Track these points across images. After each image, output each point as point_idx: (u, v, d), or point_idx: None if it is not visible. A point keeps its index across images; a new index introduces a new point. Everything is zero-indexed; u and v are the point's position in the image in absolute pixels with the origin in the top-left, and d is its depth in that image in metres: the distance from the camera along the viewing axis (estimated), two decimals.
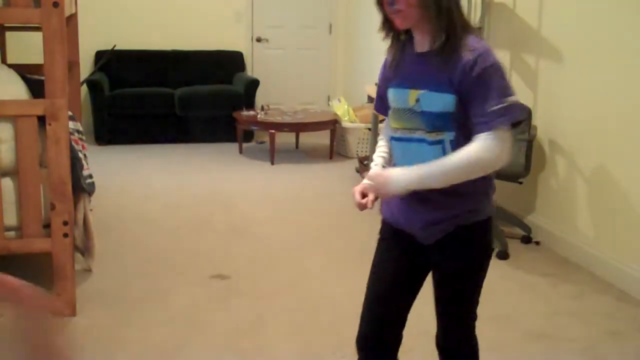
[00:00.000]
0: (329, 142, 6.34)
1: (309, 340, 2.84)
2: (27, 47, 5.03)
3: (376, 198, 1.81)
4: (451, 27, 1.65)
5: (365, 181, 1.77)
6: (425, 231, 1.82)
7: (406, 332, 2.94)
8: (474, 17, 4.63)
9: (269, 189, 5.24)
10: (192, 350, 2.75)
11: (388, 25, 1.72)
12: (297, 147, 6.73)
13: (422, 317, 3.10)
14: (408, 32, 1.73)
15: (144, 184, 5.25)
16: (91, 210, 3.44)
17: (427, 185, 1.67)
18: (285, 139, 6.75)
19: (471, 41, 1.68)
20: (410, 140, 1.74)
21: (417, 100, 1.69)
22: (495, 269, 3.68)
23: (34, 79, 3.23)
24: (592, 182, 3.68)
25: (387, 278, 1.92)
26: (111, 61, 6.80)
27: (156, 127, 6.70)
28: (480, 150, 1.65)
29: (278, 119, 6.21)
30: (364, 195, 1.80)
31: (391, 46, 1.77)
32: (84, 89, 6.21)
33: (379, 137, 1.93)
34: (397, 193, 1.72)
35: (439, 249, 1.84)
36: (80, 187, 3.17)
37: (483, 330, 2.97)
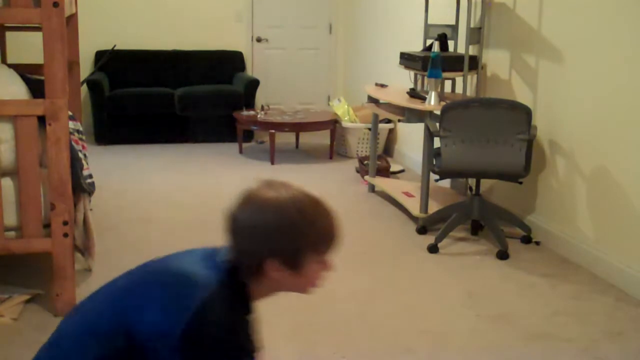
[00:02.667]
0: (329, 142, 6.34)
1: (309, 340, 2.84)
2: (27, 47, 5.03)
3: None
4: None
5: None
6: None
7: (406, 332, 2.95)
8: (474, 17, 4.63)
9: None
10: None
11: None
12: (297, 147, 6.73)
13: (422, 316, 3.11)
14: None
15: (144, 184, 5.25)
16: (91, 210, 3.44)
17: None
18: (285, 139, 6.76)
19: None
20: None
21: None
22: (495, 269, 3.68)
23: (34, 79, 3.23)
24: (592, 182, 3.68)
25: None
26: (111, 61, 6.80)
27: (156, 127, 6.70)
28: None
29: (278, 119, 6.21)
30: None
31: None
32: (84, 89, 6.21)
33: None
34: None
35: None
36: (80, 187, 3.17)
37: (483, 330, 2.98)
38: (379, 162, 5.45)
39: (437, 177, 4.04)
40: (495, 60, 4.59)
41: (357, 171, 5.73)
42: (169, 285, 1.46)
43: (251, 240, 1.46)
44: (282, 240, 1.44)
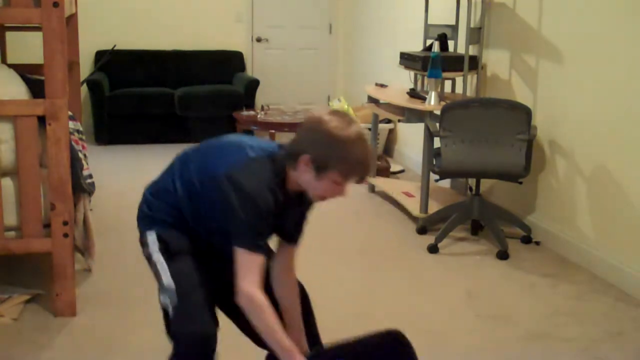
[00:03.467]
0: None
1: None
2: (27, 47, 5.03)
3: None
4: None
5: None
6: None
7: (406, 332, 2.94)
8: (474, 17, 4.63)
9: None
10: None
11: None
12: None
13: (422, 316, 3.10)
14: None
15: (144, 184, 5.21)
16: (91, 210, 3.44)
17: None
18: (285, 139, 6.75)
19: None
20: None
21: None
22: (495, 269, 3.68)
23: (34, 79, 3.23)
24: (592, 182, 3.68)
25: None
26: (111, 61, 6.80)
27: (156, 127, 6.70)
28: None
29: (278, 119, 6.20)
30: None
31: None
32: (84, 89, 6.21)
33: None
34: None
35: None
36: (80, 187, 3.16)
37: (483, 330, 2.98)
38: (379, 162, 5.45)
39: (437, 177, 4.04)
40: (495, 60, 4.59)
41: None
42: (234, 147, 2.01)
43: (304, 137, 1.92)
44: (322, 147, 1.87)
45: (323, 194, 1.95)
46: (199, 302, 1.97)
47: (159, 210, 2.15)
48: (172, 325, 1.98)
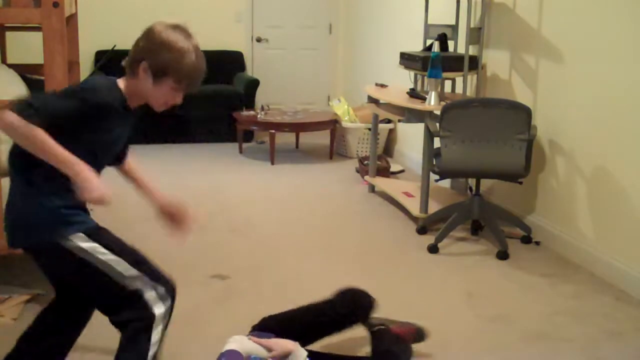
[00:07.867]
0: (329, 142, 6.34)
1: None
2: (27, 47, 5.03)
3: None
4: None
5: None
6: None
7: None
8: (474, 17, 4.63)
9: (269, 189, 5.24)
10: (192, 350, 2.75)
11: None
12: (297, 147, 6.73)
13: (422, 316, 3.10)
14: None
15: None
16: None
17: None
18: (285, 139, 6.75)
19: None
20: None
21: None
22: (495, 269, 3.68)
23: (34, 79, 3.23)
24: (592, 182, 3.68)
25: None
26: (111, 61, 6.79)
27: (156, 127, 6.70)
28: None
29: (278, 119, 6.21)
30: None
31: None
32: None
33: None
34: None
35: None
36: None
37: (483, 330, 2.98)
38: (379, 162, 5.45)
39: (437, 177, 4.04)
40: (495, 60, 4.59)
41: (357, 171, 5.73)
42: None
43: (143, 46, 2.10)
44: (160, 54, 2.08)
45: (163, 100, 2.20)
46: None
47: None
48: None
